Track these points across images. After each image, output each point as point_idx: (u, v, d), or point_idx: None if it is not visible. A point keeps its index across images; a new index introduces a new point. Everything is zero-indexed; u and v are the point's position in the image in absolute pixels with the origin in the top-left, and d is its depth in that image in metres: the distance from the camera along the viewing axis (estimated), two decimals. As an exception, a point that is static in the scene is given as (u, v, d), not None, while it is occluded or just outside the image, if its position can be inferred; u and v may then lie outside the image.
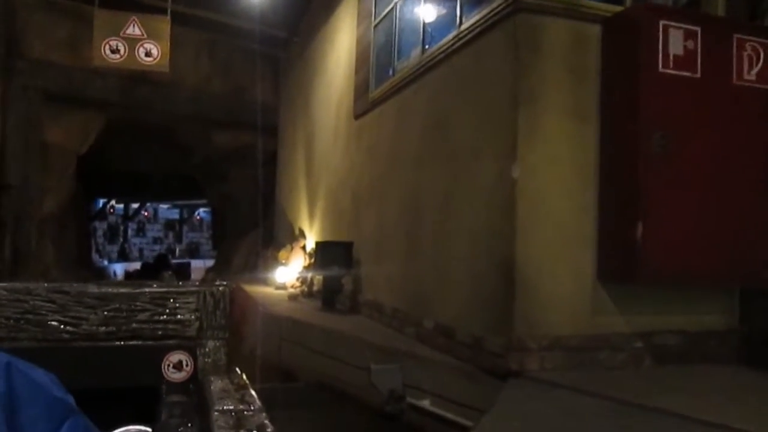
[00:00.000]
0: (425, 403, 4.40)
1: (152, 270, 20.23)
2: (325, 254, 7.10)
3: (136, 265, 23.92)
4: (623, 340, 4.00)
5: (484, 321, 4.07)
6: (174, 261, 24.68)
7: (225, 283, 2.05)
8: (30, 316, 1.73)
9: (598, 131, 3.96)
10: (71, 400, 0.99)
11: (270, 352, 6.77)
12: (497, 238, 3.97)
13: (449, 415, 4.17)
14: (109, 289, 1.84)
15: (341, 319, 6.49)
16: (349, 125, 7.66)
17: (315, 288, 8.87)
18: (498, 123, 4.08)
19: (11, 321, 1.72)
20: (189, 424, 1.63)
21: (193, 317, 1.92)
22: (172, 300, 1.91)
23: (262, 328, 7.41)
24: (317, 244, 7.34)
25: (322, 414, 5.34)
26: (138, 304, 1.85)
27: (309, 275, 9.23)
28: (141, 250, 28.26)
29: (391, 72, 6.26)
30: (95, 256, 20.73)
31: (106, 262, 22.18)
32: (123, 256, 25.84)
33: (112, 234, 26.28)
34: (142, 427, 1.65)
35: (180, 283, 2.03)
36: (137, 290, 1.87)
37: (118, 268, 21.74)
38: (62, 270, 12.61)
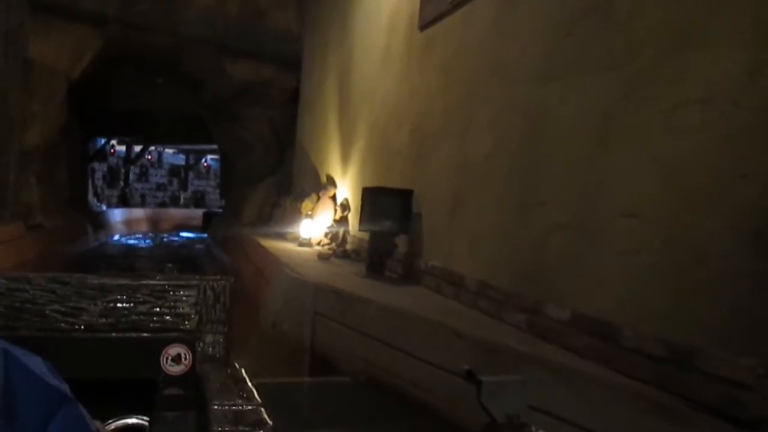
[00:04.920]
0: (568, 442, 2.78)
1: None
2: (374, 205, 5.41)
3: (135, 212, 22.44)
4: None
5: (703, 323, 2.40)
6: None
7: (225, 277, 1.91)
8: (29, 306, 1.73)
9: None
10: (66, 388, 0.93)
11: (299, 330, 5.15)
12: (751, 183, 2.27)
13: (615, 468, 2.56)
14: (109, 281, 1.84)
15: (400, 292, 4.84)
16: (409, 40, 5.90)
17: (348, 246, 7.25)
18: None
19: (10, 310, 1.70)
20: (186, 418, 1.52)
21: (192, 311, 1.81)
22: (171, 293, 1.84)
23: (288, 296, 5.79)
24: (365, 191, 5.65)
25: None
26: (138, 296, 1.82)
27: (341, 231, 7.61)
28: (143, 196, 26.56)
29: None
30: (92, 200, 19.06)
31: (104, 207, 20.55)
32: (123, 202, 24.16)
33: (112, 177, 24.44)
34: (139, 419, 1.58)
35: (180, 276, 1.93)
36: (137, 282, 1.84)
37: (117, 214, 20.14)
38: (50, 212, 11.01)
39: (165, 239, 18.80)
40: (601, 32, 3.12)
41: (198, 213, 23.00)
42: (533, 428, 2.94)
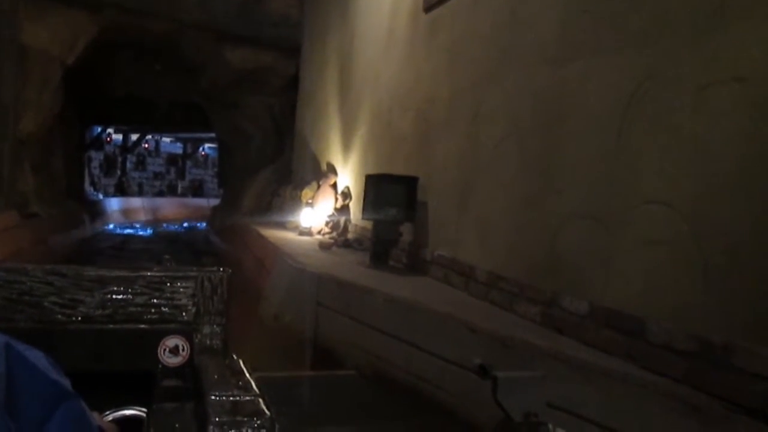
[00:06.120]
0: (590, 442, 2.63)
1: None
2: (378, 192, 5.24)
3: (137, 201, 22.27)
4: None
5: (737, 317, 2.24)
6: None
7: (223, 268, 1.91)
8: (27, 298, 1.73)
9: None
10: (67, 383, 0.94)
11: (301, 322, 5.01)
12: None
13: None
14: (107, 272, 1.84)
15: (406, 283, 4.68)
16: (414, 23, 5.71)
17: (350, 235, 7.09)
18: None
19: (8, 302, 1.70)
20: (184, 409, 1.52)
21: (190, 302, 1.82)
22: (169, 284, 1.84)
23: (289, 286, 5.63)
24: (368, 178, 5.48)
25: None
26: (135, 287, 1.82)
27: (342, 219, 7.44)
28: (140, 185, 26.32)
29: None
30: (89, 189, 18.86)
31: (101, 196, 20.34)
32: (120, 191, 23.92)
33: (109, 166, 24.19)
34: (137, 411, 1.57)
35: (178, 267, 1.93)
36: (135, 274, 1.84)
37: (115, 204, 19.94)
38: (46, 201, 10.82)
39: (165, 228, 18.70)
40: (623, 8, 2.95)
41: (201, 203, 22.88)
42: (551, 426, 2.77)
